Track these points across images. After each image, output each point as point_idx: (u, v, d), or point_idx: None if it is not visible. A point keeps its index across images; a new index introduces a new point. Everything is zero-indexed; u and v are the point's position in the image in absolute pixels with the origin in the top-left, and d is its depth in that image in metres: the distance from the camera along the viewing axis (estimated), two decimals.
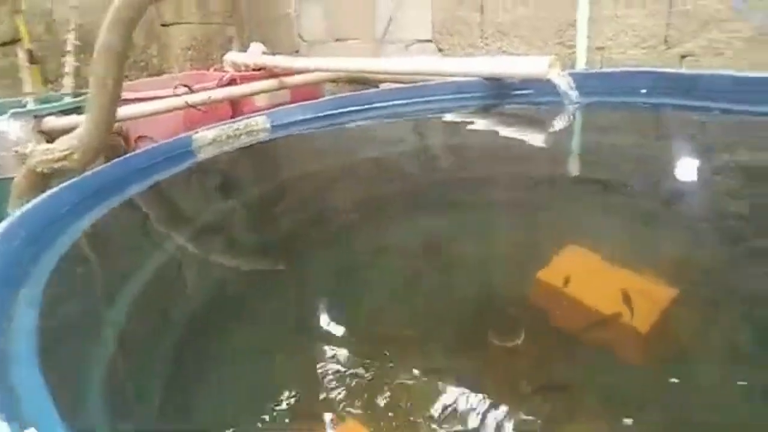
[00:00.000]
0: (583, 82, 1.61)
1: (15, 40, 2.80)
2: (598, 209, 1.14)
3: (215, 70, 2.82)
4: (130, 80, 2.90)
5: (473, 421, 0.61)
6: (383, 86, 2.45)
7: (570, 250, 0.90)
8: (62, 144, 1.48)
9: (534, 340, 0.75)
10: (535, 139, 1.56)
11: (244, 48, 2.89)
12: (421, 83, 1.96)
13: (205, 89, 2.22)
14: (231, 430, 0.66)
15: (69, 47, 2.74)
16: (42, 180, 1.50)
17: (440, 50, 2.85)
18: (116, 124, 1.82)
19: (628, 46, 2.25)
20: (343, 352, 0.76)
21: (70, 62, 2.74)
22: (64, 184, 1.15)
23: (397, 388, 0.68)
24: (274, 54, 2.64)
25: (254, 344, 0.84)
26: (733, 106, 1.42)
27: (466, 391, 0.66)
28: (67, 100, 2.48)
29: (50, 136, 1.97)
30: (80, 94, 2.43)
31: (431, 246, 1.07)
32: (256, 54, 2.59)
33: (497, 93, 1.79)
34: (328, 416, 0.65)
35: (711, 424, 0.61)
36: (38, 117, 2.08)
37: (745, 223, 0.99)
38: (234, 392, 0.74)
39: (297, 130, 1.73)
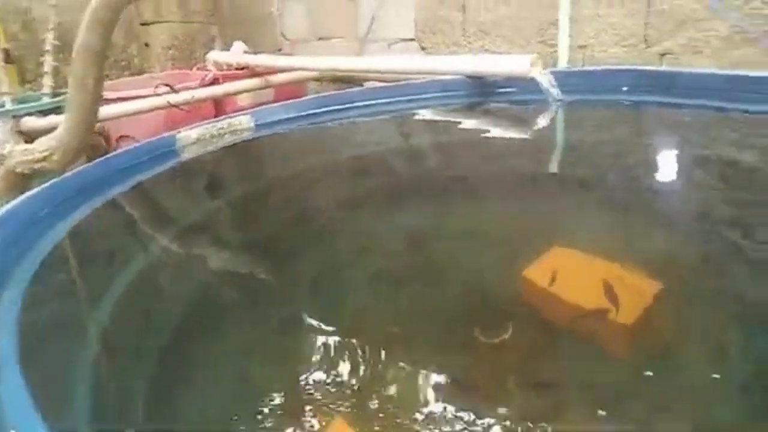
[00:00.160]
0: (565, 80, 1.63)
1: None
2: (582, 206, 1.15)
3: (198, 69, 2.80)
4: (111, 80, 2.86)
5: (461, 419, 0.61)
6: (367, 85, 2.45)
7: (556, 247, 0.91)
8: (42, 144, 1.46)
9: (522, 337, 0.75)
10: (519, 137, 1.58)
11: (226, 47, 2.87)
12: (404, 82, 1.96)
13: (187, 89, 2.20)
14: (216, 431, 0.65)
15: (48, 47, 2.70)
16: (22, 181, 1.48)
17: (423, 49, 2.86)
18: (97, 124, 1.79)
19: (609, 44, 2.27)
20: (329, 352, 0.75)
21: (49, 62, 2.70)
22: (45, 185, 1.13)
23: (384, 387, 0.68)
24: (256, 53, 2.63)
25: (239, 344, 0.83)
26: (712, 102, 1.45)
27: (454, 389, 0.66)
28: (46, 100, 2.44)
29: (29, 137, 1.94)
30: (59, 94, 2.39)
31: (416, 244, 1.07)
32: (238, 53, 2.58)
33: (481, 91, 1.80)
34: (314, 416, 0.65)
35: (695, 417, 0.62)
36: (17, 117, 2.05)
37: (726, 217, 1.01)
38: (219, 393, 0.73)
39: (281, 129, 1.72)
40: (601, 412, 0.62)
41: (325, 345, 0.77)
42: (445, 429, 0.61)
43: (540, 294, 0.82)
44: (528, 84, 1.64)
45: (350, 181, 1.45)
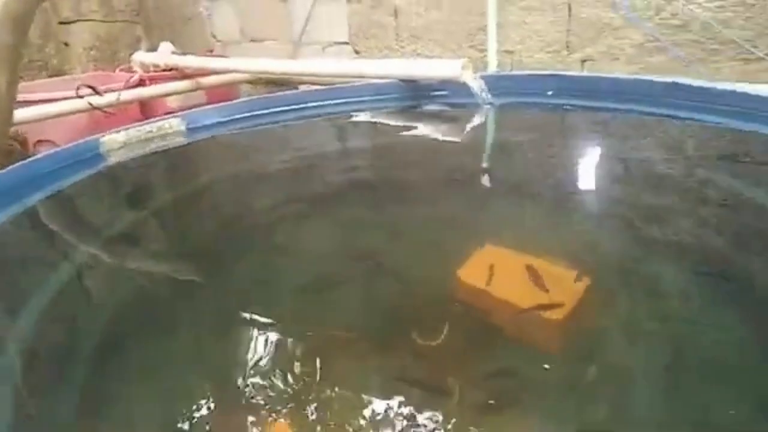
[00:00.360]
0: (495, 84, 1.69)
1: None
2: (511, 206, 1.19)
3: (122, 70, 2.69)
4: (27, 81, 2.69)
5: (399, 419, 0.63)
6: (302, 88, 2.44)
7: (487, 245, 0.94)
8: None
9: (457, 336, 0.77)
10: (450, 139, 1.62)
11: (153, 48, 2.77)
12: (339, 85, 1.97)
13: (111, 91, 2.11)
14: None
15: None
16: None
17: (357, 52, 2.88)
18: (12, 128, 1.69)
19: (535, 50, 2.37)
20: (267, 357, 0.75)
21: None
22: None
23: (323, 390, 0.68)
24: (185, 54, 2.55)
25: (173, 353, 0.81)
26: (628, 106, 1.55)
27: (390, 389, 0.67)
28: None
29: None
30: None
31: (349, 247, 1.07)
32: (166, 54, 2.50)
33: (414, 94, 1.83)
34: (255, 420, 0.65)
35: (624, 405, 0.66)
36: None
37: (644, 213, 1.08)
38: (155, 402, 0.71)
39: (214, 132, 1.68)
40: (538, 406, 0.65)
41: (263, 349, 0.77)
42: (385, 427, 0.62)
43: (474, 292, 0.85)
44: (459, 87, 1.68)
45: (284, 186, 1.43)
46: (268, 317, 0.85)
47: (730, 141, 1.37)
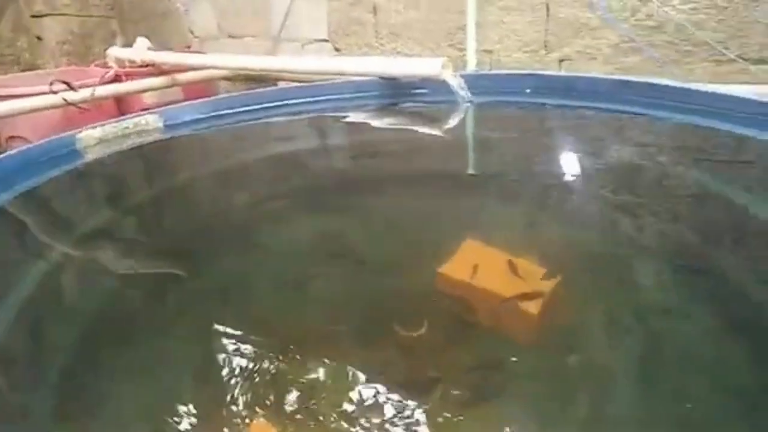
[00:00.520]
0: (474, 82, 1.71)
1: None
2: (491, 203, 1.21)
3: (96, 66, 2.64)
4: None
5: (380, 415, 0.63)
6: (281, 84, 2.43)
7: (468, 240, 0.95)
8: None
9: (438, 330, 0.78)
10: (430, 136, 1.63)
11: (129, 43, 2.73)
12: (319, 82, 1.96)
13: (86, 86, 2.07)
14: None
15: None
16: None
17: (337, 50, 2.87)
18: None
19: (514, 49, 2.40)
20: (249, 354, 0.75)
21: None
22: None
23: (306, 386, 0.68)
24: (162, 50, 2.52)
25: (153, 352, 0.80)
26: (606, 105, 1.58)
27: (372, 384, 0.67)
28: None
29: None
30: None
31: (330, 244, 1.07)
32: (142, 49, 2.46)
33: (395, 92, 1.84)
34: (236, 417, 0.65)
35: (598, 395, 0.68)
36: None
37: (622, 210, 1.11)
38: (136, 399, 0.71)
39: (192, 129, 1.66)
40: (517, 397, 0.67)
41: (245, 346, 0.77)
42: (366, 423, 0.62)
43: (455, 286, 0.86)
44: (439, 86, 1.69)
45: (262, 183, 1.43)
46: (247, 314, 0.85)
47: (702, 139, 1.41)
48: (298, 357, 0.74)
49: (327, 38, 2.87)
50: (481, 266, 0.87)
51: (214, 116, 1.73)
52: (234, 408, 0.65)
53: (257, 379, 0.70)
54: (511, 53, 2.41)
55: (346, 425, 0.62)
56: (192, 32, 3.36)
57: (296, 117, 1.81)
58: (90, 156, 1.41)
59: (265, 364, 0.72)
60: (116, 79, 2.30)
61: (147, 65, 2.39)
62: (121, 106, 2.31)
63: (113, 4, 3.47)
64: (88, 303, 0.94)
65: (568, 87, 1.68)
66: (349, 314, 0.85)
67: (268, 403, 0.66)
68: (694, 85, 1.54)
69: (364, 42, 2.77)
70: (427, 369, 0.71)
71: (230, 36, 3.22)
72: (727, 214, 1.06)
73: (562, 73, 2.23)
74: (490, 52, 2.45)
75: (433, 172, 1.40)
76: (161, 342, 0.82)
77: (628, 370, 0.71)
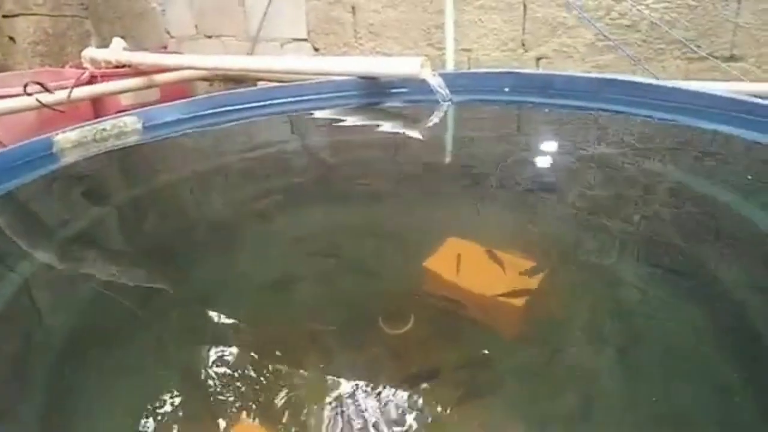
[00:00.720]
0: (454, 81, 1.72)
1: None
2: (473, 200, 1.22)
3: (72, 66, 2.60)
4: None
5: (368, 411, 0.63)
6: (260, 85, 2.42)
7: (451, 238, 0.97)
8: None
9: (424, 325, 0.79)
10: (411, 135, 1.64)
11: (104, 44, 2.69)
12: (299, 82, 1.96)
13: (62, 88, 2.04)
14: None
15: None
16: None
17: (316, 50, 2.87)
18: None
19: (491, 48, 2.42)
20: (233, 356, 0.74)
21: None
22: None
23: (293, 386, 0.68)
24: (138, 51, 2.49)
25: (138, 356, 0.79)
26: (582, 102, 1.61)
27: (359, 381, 0.67)
28: None
29: None
30: None
31: (314, 242, 1.07)
32: (117, 50, 2.43)
33: (375, 92, 1.84)
34: (223, 419, 0.65)
35: (583, 387, 0.69)
36: None
37: (599, 205, 1.13)
38: (120, 404, 0.70)
39: (172, 130, 1.65)
40: (505, 389, 0.68)
41: (229, 348, 0.76)
42: (352, 420, 0.63)
43: (440, 282, 0.87)
44: (419, 85, 1.71)
45: (243, 183, 1.42)
46: (229, 315, 0.84)
47: (675, 135, 1.44)
48: (280, 356, 0.74)
49: (306, 38, 2.87)
50: (466, 262, 0.89)
51: (193, 117, 1.71)
52: (219, 410, 0.65)
53: (240, 381, 0.70)
54: (489, 52, 2.43)
55: (331, 424, 0.62)
56: (168, 32, 3.32)
57: (277, 117, 1.80)
58: (67, 159, 1.39)
59: (249, 366, 0.72)
60: (92, 80, 2.27)
61: (123, 66, 2.37)
62: (98, 107, 2.28)
63: (87, 3, 3.42)
64: (65, 308, 0.93)
65: (546, 85, 1.71)
66: (331, 313, 0.85)
67: (252, 405, 0.66)
68: (670, 83, 1.57)
69: (343, 41, 2.77)
70: (412, 366, 0.72)
71: (207, 36, 3.20)
72: (704, 210, 1.09)
73: (540, 71, 2.27)
74: (468, 50, 2.47)
75: (415, 169, 1.41)
76: (139, 347, 0.81)
77: (612, 365, 0.72)
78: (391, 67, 1.77)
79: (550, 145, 1.55)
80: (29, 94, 1.92)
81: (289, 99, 1.84)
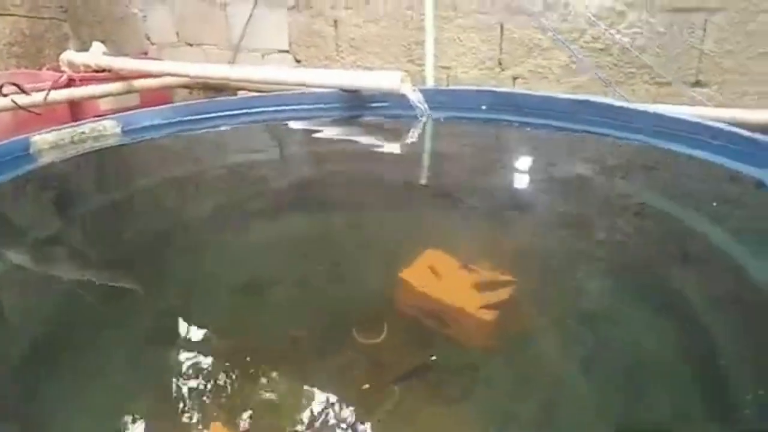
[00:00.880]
0: (433, 97, 1.76)
1: None
2: (449, 214, 1.25)
3: (49, 69, 2.57)
4: None
5: (340, 418, 0.64)
6: (240, 94, 2.43)
7: (429, 250, 0.99)
8: None
9: (397, 335, 0.80)
10: (390, 149, 1.67)
11: (83, 47, 2.67)
12: (279, 92, 1.98)
13: (38, 90, 2.02)
14: None
15: None
16: None
17: (298, 61, 2.89)
18: None
19: (470, 66, 2.48)
20: (205, 362, 0.74)
21: None
22: None
23: (265, 392, 0.69)
24: (118, 56, 2.48)
25: (103, 361, 0.79)
26: (555, 122, 1.66)
27: (332, 388, 0.69)
28: None
29: None
30: None
31: (290, 252, 1.08)
32: (97, 54, 2.41)
33: (355, 104, 1.87)
34: (193, 424, 0.65)
35: (546, 396, 0.72)
36: None
37: (570, 221, 1.17)
38: (91, 408, 0.70)
39: (151, 135, 1.65)
40: (470, 399, 0.70)
41: (202, 355, 0.76)
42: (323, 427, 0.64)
43: (414, 292, 0.89)
44: (398, 99, 1.74)
45: (224, 191, 1.42)
46: (202, 321, 0.84)
47: (645, 156, 1.50)
48: (252, 363, 0.74)
49: (288, 49, 2.89)
50: (441, 274, 0.91)
51: (173, 123, 1.72)
52: (191, 415, 0.66)
53: (213, 387, 0.70)
54: (467, 70, 2.49)
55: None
56: (149, 39, 3.31)
57: (256, 126, 1.81)
58: (44, 160, 1.38)
59: (222, 372, 0.72)
60: (70, 83, 2.25)
61: (103, 71, 2.35)
62: (75, 111, 2.26)
63: (66, 6, 3.39)
64: (35, 310, 0.92)
65: (521, 104, 1.76)
66: (306, 321, 0.85)
67: (226, 410, 0.66)
68: (639, 106, 1.64)
69: (325, 54, 2.80)
70: (385, 374, 0.73)
71: (189, 44, 3.20)
72: (668, 225, 1.14)
73: (517, 89, 2.32)
74: (447, 68, 2.52)
75: (392, 183, 1.44)
76: (114, 348, 0.80)
77: (581, 372, 0.75)
78: (372, 81, 1.80)
79: (524, 162, 1.59)
80: (5, 95, 1.90)
81: (269, 109, 1.86)
